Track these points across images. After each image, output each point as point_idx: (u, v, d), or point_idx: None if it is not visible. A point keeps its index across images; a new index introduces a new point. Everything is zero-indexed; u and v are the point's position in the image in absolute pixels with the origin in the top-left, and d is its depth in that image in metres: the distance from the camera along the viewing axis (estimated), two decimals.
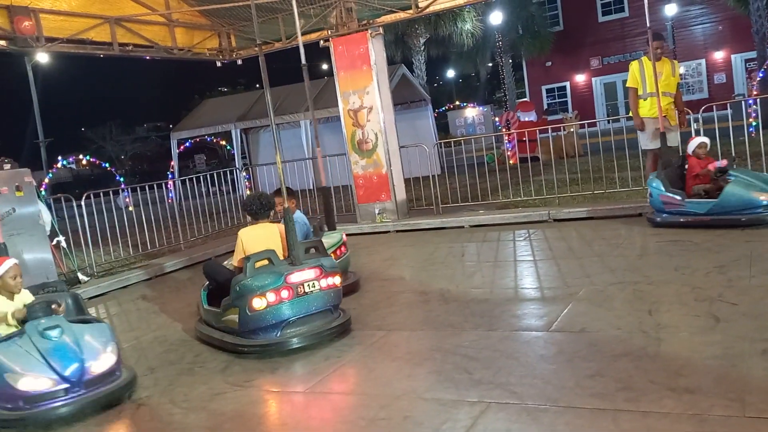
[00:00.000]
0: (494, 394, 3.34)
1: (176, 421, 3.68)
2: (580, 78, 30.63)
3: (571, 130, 14.78)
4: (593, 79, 30.36)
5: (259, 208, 5.16)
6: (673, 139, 7.40)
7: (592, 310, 4.57)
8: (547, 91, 31.40)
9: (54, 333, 3.91)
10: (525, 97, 30.56)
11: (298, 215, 6.09)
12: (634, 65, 7.48)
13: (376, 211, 9.75)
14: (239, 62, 12.49)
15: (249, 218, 5.34)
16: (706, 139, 7.03)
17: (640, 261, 5.84)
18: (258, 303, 4.44)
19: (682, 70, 8.05)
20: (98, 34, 9.86)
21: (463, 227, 8.90)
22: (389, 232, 9.43)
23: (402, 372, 3.91)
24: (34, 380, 3.72)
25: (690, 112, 8.24)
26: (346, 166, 10.15)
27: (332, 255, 5.61)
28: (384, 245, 8.58)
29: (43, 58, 10.02)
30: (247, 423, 3.50)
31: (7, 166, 7.53)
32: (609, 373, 3.44)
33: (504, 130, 18.17)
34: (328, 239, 6.04)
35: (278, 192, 5.57)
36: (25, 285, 4.76)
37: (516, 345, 4.11)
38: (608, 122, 13.45)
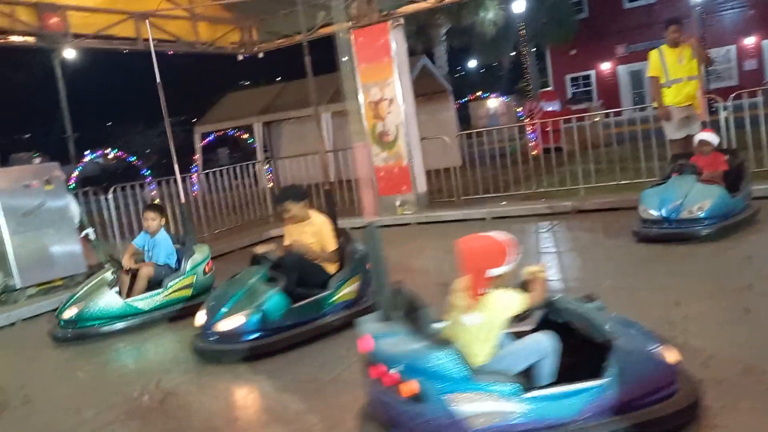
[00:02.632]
0: None
1: (204, 408, 3.75)
2: (605, 66, 30.22)
3: (596, 119, 14.61)
4: (619, 67, 29.91)
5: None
6: (695, 128, 7.14)
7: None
8: (572, 80, 31.03)
9: None
10: (548, 86, 30.26)
11: (163, 235, 6.13)
12: (653, 54, 7.31)
13: (397, 204, 9.76)
14: (261, 56, 12.55)
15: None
16: (709, 136, 6.46)
17: (666, 251, 5.78)
18: None
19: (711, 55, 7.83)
20: (123, 29, 10.01)
21: (484, 219, 8.87)
22: (410, 224, 9.44)
23: None
24: None
25: (719, 99, 8.09)
26: (367, 158, 10.15)
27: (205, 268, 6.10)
28: (405, 237, 8.59)
29: (70, 53, 10.16)
30: (272, 410, 3.55)
31: (37, 160, 7.69)
32: None
33: (527, 120, 18.02)
34: (198, 254, 6.16)
35: (151, 207, 6.27)
36: (53, 276, 5.16)
37: None
38: (634, 111, 13.26)
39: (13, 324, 6.72)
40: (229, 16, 11.88)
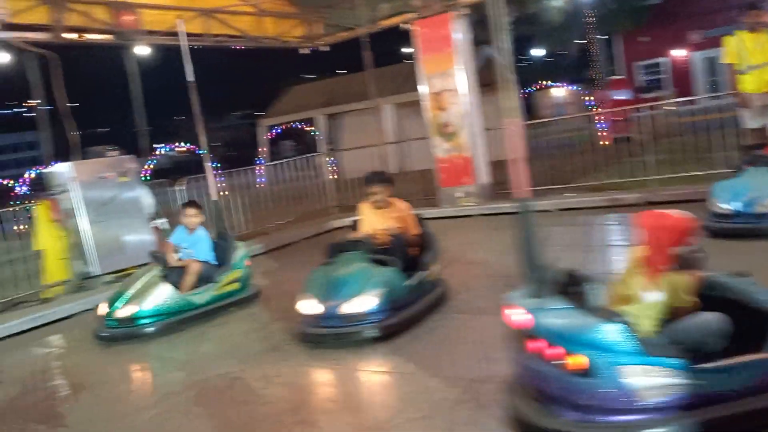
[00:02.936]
0: None
1: (268, 394, 3.85)
2: (679, 53, 29.03)
3: (668, 108, 14.08)
4: (693, 53, 28.68)
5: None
6: None
7: None
8: (642, 67, 29.98)
9: None
10: (618, 74, 29.33)
11: (203, 231, 6.18)
12: (728, 40, 6.96)
13: (459, 195, 9.70)
14: (325, 49, 12.68)
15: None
16: None
17: (742, 246, 5.53)
18: None
19: None
20: (192, 26, 10.31)
21: (549, 211, 8.70)
22: (472, 216, 9.36)
23: (487, 356, 3.90)
24: None
25: None
26: (429, 150, 10.12)
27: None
28: (467, 229, 8.53)
29: (142, 50, 10.54)
30: (334, 399, 3.61)
31: (113, 153, 8.03)
32: None
33: (596, 109, 17.55)
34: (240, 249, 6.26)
35: (191, 203, 6.28)
36: (127, 264, 5.42)
37: None
38: (709, 99, 12.69)
39: (90, 309, 7.06)
40: (294, 10, 12.06)
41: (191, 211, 6.11)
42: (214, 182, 7.91)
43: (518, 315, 2.79)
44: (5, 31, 8.03)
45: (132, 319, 5.49)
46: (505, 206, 9.19)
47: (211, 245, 6.15)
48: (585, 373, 2.57)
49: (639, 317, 2.70)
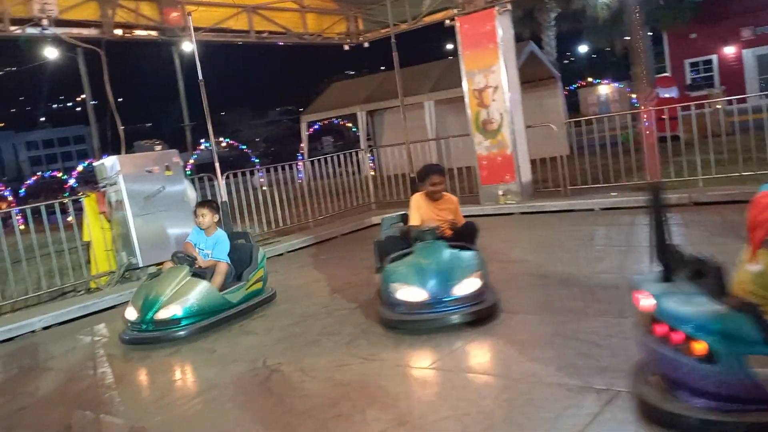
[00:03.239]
0: (624, 383, 3.22)
1: (306, 387, 3.88)
2: (729, 50, 28.17)
3: (717, 106, 13.70)
4: (744, 51, 27.79)
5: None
6: None
7: None
8: (691, 65, 29.17)
9: None
10: (665, 72, 28.63)
11: (222, 231, 6.09)
12: None
13: (500, 193, 9.61)
14: (366, 45, 12.69)
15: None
16: None
17: None
18: None
19: None
20: (237, 22, 10.46)
21: (592, 210, 8.57)
22: (513, 214, 9.27)
23: (523, 355, 3.87)
24: None
25: None
26: (470, 147, 10.06)
27: None
28: (507, 227, 8.46)
29: (188, 47, 10.72)
30: (371, 394, 3.62)
31: (158, 148, 8.19)
32: None
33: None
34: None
35: (202, 203, 6.15)
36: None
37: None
38: (760, 98, 12.28)
39: None
40: (336, 6, 12.11)
41: (203, 210, 5.99)
42: (222, 183, 8.04)
43: (644, 299, 2.79)
44: (55, 27, 8.26)
45: (171, 321, 5.34)
46: (547, 204, 9.09)
47: (228, 247, 6.00)
48: (709, 359, 2.54)
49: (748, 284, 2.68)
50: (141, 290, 5.65)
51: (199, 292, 5.49)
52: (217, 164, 7.25)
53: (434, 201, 5.46)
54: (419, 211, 5.43)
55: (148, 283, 5.73)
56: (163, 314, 5.35)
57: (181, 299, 5.40)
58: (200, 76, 6.87)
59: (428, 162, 11.54)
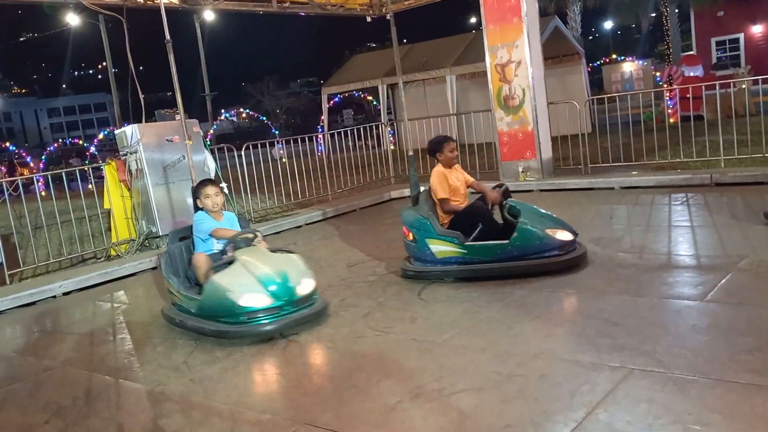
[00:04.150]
0: (638, 361, 3.22)
1: (322, 358, 3.93)
2: (757, 29, 27.49)
3: (743, 86, 13.43)
4: None
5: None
6: None
7: (754, 283, 4.22)
8: (717, 43, 28.54)
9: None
10: (691, 50, 28.05)
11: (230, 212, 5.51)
12: None
13: (520, 170, 9.55)
14: (388, 17, 12.53)
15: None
16: None
17: None
18: None
19: None
20: None
21: (613, 188, 8.48)
22: (533, 191, 9.21)
23: (540, 331, 3.88)
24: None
25: None
26: (491, 123, 9.97)
27: None
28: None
29: (209, 15, 10.69)
30: (386, 366, 3.66)
31: (179, 117, 8.22)
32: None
33: (665, 85, 16.88)
34: None
35: (206, 182, 5.30)
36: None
37: (665, 313, 3.91)
38: None
39: (155, 268, 7.34)
40: None
41: (213, 189, 5.17)
42: (214, 164, 7.91)
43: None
44: None
45: (307, 297, 4.63)
46: (567, 182, 9.02)
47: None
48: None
49: None
50: (243, 277, 4.48)
51: (299, 262, 4.76)
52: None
53: (451, 169, 5.60)
54: (448, 180, 5.49)
55: (242, 268, 4.55)
56: (301, 290, 4.56)
57: (302, 272, 4.66)
58: (167, 36, 6.12)
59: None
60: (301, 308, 4.51)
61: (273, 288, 4.39)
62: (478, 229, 5.14)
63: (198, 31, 27.45)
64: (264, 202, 9.93)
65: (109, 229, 8.13)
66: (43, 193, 13.69)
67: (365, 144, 12.01)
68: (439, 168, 5.57)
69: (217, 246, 5.06)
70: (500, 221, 5.43)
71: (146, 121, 8.43)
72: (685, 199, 7.31)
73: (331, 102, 21.05)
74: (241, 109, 30.30)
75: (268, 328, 4.34)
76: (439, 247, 5.22)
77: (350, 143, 11.82)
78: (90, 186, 8.84)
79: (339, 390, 3.42)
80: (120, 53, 9.77)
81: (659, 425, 2.63)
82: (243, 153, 9.53)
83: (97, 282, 6.93)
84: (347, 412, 3.16)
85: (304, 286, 4.57)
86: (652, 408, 2.77)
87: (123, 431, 3.33)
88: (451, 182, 5.50)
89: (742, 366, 3.04)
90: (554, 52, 16.73)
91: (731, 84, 11.15)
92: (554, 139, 10.02)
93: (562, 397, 2.98)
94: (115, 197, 7.97)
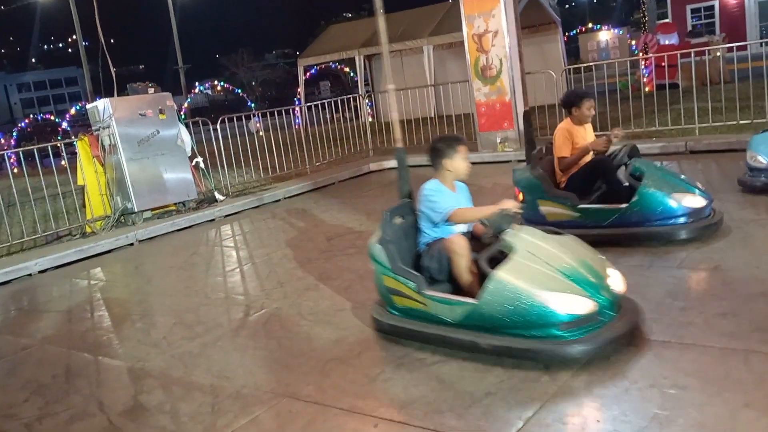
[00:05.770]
0: None
1: (303, 331, 3.94)
2: None
3: (717, 54, 13.53)
4: None
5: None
6: None
7: (729, 247, 4.30)
8: (692, 11, 28.61)
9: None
10: (667, 18, 28.11)
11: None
12: None
13: (498, 140, 9.56)
14: None
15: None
16: None
17: None
18: None
19: None
20: None
21: None
22: (511, 161, 9.23)
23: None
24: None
25: None
26: (469, 93, 9.94)
27: None
28: (505, 174, 8.39)
29: None
30: (367, 338, 3.67)
31: (151, 90, 8.07)
32: (743, 312, 3.26)
33: (641, 54, 16.94)
34: None
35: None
36: (166, 201, 5.15)
37: (643, 280, 3.97)
38: (761, 45, 12.10)
39: (131, 244, 7.27)
40: None
41: (464, 149, 3.70)
42: (189, 139, 7.74)
43: None
44: None
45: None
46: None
47: None
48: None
49: None
50: (545, 273, 3.16)
51: (588, 247, 3.51)
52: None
53: (582, 126, 5.22)
54: (573, 139, 5.14)
55: (534, 260, 3.23)
56: (617, 286, 3.32)
57: (602, 261, 3.44)
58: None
59: (424, 107, 11.41)
60: (619, 313, 3.16)
61: (589, 288, 3.09)
62: (600, 190, 4.81)
63: (170, 1, 26.87)
64: (242, 176, 9.84)
65: (84, 206, 8.01)
66: (15, 170, 13.44)
67: (343, 116, 11.92)
68: (565, 124, 5.19)
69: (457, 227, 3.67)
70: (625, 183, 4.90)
71: (119, 95, 8.28)
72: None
73: (308, 74, 20.80)
74: (216, 82, 29.79)
75: (598, 342, 2.97)
76: (551, 209, 4.88)
77: (328, 116, 11.71)
78: (63, 162, 8.68)
79: (321, 362, 3.44)
80: (91, 26, 9.52)
81: (636, 389, 2.69)
82: (219, 127, 9.40)
83: (72, 259, 6.84)
84: (329, 384, 3.17)
85: (615, 279, 3.29)
86: (629, 373, 2.83)
87: (104, 408, 3.32)
88: (575, 141, 5.13)
89: (717, 330, 3.11)
90: (531, 21, 16.65)
91: (706, 52, 11.20)
92: (532, 109, 10.01)
93: (537, 366, 3.02)
94: (89, 173, 7.83)
